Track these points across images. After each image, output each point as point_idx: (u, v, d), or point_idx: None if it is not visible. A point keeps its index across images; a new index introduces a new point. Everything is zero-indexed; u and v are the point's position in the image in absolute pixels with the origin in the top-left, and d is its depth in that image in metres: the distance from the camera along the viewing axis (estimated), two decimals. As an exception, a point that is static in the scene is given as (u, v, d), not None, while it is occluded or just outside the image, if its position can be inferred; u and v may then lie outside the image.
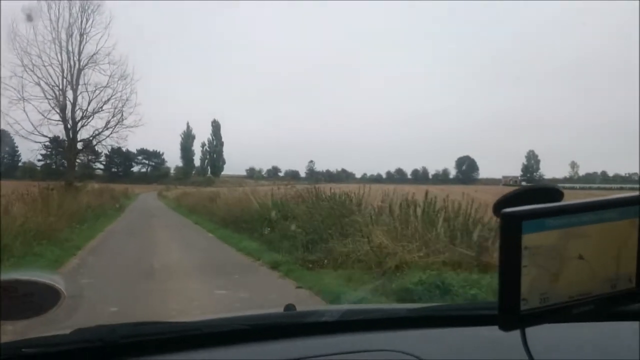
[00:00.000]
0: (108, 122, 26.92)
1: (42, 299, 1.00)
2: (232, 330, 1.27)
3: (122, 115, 26.67)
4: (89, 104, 26.21)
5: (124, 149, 69.61)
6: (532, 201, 0.79)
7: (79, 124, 26.84)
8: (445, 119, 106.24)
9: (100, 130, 27.47)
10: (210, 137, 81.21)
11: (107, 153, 67.48)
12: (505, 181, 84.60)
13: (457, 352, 1.26)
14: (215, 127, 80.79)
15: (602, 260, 0.82)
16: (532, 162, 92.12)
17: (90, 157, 65.37)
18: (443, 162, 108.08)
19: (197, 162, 79.98)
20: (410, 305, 1.62)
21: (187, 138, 79.39)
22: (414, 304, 2.55)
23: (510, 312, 0.76)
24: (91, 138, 28.53)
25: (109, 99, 26.27)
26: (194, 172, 77.75)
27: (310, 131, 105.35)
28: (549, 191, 0.85)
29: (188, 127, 79.97)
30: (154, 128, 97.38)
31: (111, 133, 27.71)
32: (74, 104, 25.88)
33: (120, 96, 26.34)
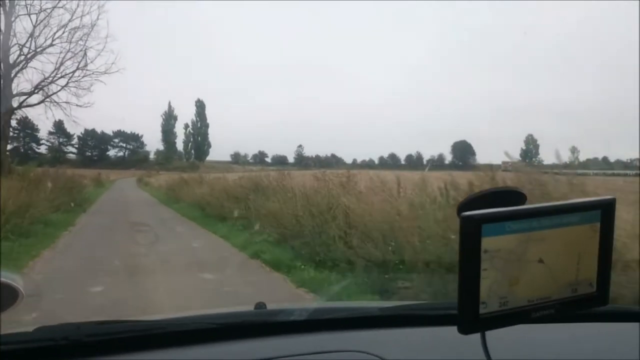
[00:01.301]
0: (61, 63, 15.88)
1: None
2: (199, 329, 1.24)
3: (85, 54, 16.57)
4: (31, 34, 15.25)
5: (98, 131, 64.92)
6: (494, 204, 0.79)
7: (16, 68, 15.64)
8: (440, 103, 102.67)
9: (50, 77, 15.89)
10: (194, 118, 75.47)
11: (80, 135, 63.00)
12: (505, 167, 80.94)
13: (422, 352, 1.27)
14: (200, 107, 75.15)
15: (563, 264, 0.83)
16: (530, 147, 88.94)
17: (60, 140, 59.94)
18: (439, 146, 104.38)
19: (179, 145, 74.78)
20: (381, 304, 1.68)
21: (169, 119, 73.65)
22: (385, 302, 2.05)
23: (469, 316, 0.77)
24: (35, 90, 16.02)
25: (64, 27, 15.84)
26: (176, 156, 72.65)
27: (298, 114, 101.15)
28: (512, 194, 0.85)
29: (169, 107, 74.04)
30: (131, 107, 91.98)
31: (68, 82, 16.35)
32: (6, 34, 15.23)
33: (82, 22, 16.12)
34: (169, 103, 74.89)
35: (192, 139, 75.99)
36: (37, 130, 63.10)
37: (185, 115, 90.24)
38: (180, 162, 67.86)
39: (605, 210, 0.85)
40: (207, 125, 75.74)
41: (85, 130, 71.22)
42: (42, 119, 18.31)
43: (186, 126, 76.35)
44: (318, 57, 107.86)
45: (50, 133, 65.58)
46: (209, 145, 76.72)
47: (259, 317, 1.38)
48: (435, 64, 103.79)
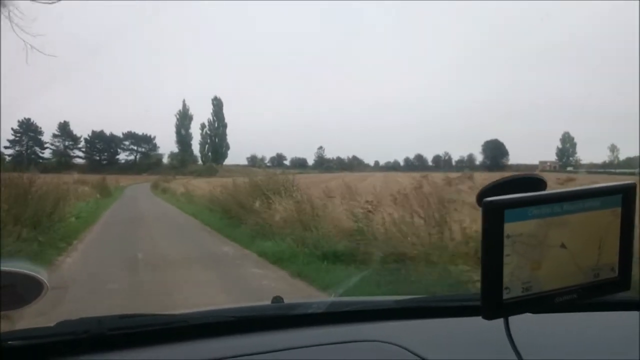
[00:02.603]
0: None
1: (24, 290, 0.99)
2: (218, 322, 1.27)
3: None
4: None
5: (107, 133, 60.53)
6: (515, 191, 0.80)
7: None
8: (470, 100, 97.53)
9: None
10: (211, 118, 70.38)
11: (87, 137, 58.67)
12: (543, 167, 76.88)
13: (443, 342, 1.28)
14: (217, 105, 70.18)
15: (585, 249, 0.83)
16: (567, 146, 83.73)
17: (66, 143, 55.62)
18: (469, 146, 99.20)
19: (195, 147, 69.88)
20: (397, 297, 1.56)
21: (184, 119, 68.75)
22: (402, 295, 1.77)
23: (492, 301, 0.78)
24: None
25: None
26: (191, 159, 67.82)
27: (318, 114, 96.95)
28: (533, 181, 0.86)
29: (184, 105, 68.96)
30: (143, 107, 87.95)
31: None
32: None
33: None
34: (184, 101, 68.91)
35: (209, 140, 69.97)
36: (40, 132, 59.02)
37: (202, 115, 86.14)
38: (195, 165, 63.36)
39: (626, 195, 0.85)
40: (225, 125, 69.79)
41: (93, 132, 66.52)
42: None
43: (202, 126, 70.05)
44: (338, 55, 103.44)
45: (54, 136, 61.11)
46: (228, 147, 70.66)
47: (277, 311, 1.39)
48: (463, 62, 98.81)
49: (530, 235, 0.78)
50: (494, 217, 0.76)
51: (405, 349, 1.15)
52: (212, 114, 69.59)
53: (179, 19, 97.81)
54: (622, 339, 1.25)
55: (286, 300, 1.44)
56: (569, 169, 71.71)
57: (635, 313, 1.35)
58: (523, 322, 0.86)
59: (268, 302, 1.43)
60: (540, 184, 0.85)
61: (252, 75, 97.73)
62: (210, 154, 69.16)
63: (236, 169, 68.40)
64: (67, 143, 53.95)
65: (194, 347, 1.18)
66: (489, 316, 0.79)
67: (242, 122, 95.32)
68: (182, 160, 64.95)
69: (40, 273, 0.98)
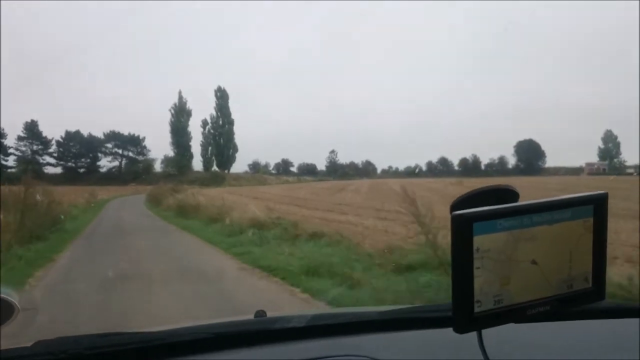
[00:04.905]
0: None
1: None
2: (198, 339, 1.27)
3: None
4: None
5: (84, 133, 51.56)
6: (487, 203, 0.81)
7: None
8: (501, 97, 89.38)
9: None
10: (215, 113, 59.62)
11: (60, 139, 49.80)
12: (590, 170, 67.76)
13: (421, 354, 1.28)
14: (221, 98, 59.43)
15: (556, 261, 0.84)
16: (610, 146, 74.66)
17: (34, 147, 46.19)
18: (499, 148, 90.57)
19: (195, 149, 60.05)
20: (380, 308, 1.61)
21: (180, 114, 57.94)
22: (385, 306, 2.02)
23: (464, 315, 0.79)
24: None
25: None
26: (191, 164, 57.91)
27: (329, 115, 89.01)
28: (504, 192, 0.86)
29: (180, 98, 57.64)
30: (129, 101, 78.62)
31: None
32: None
33: None
34: (180, 93, 57.48)
35: (212, 141, 59.16)
36: (3, 136, 50.10)
37: (203, 110, 76.88)
38: (196, 172, 54.03)
39: (597, 205, 0.86)
40: (231, 122, 58.40)
41: (67, 132, 56.47)
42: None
43: (204, 123, 59.79)
44: (351, 54, 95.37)
45: (20, 138, 51.57)
46: (235, 149, 60.16)
47: (258, 326, 1.40)
48: (498, 54, 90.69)
49: (499, 251, 0.78)
50: (462, 230, 0.76)
51: None
52: (215, 108, 59.02)
53: (176, 10, 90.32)
54: (599, 348, 1.26)
55: (269, 314, 1.46)
56: (629, 171, 62.47)
57: (611, 321, 1.38)
58: (499, 334, 0.87)
59: (250, 316, 1.45)
60: (512, 195, 0.85)
61: (253, 75, 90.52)
62: (214, 157, 59.54)
63: (245, 176, 59.74)
64: (35, 147, 45.07)
65: None
66: (461, 330, 0.79)
67: (242, 125, 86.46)
68: (180, 165, 55.13)
69: (11, 295, 0.99)
